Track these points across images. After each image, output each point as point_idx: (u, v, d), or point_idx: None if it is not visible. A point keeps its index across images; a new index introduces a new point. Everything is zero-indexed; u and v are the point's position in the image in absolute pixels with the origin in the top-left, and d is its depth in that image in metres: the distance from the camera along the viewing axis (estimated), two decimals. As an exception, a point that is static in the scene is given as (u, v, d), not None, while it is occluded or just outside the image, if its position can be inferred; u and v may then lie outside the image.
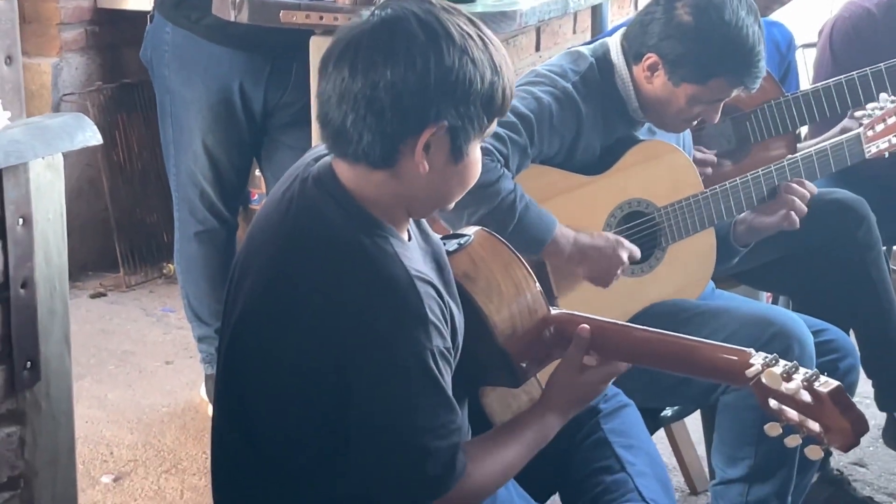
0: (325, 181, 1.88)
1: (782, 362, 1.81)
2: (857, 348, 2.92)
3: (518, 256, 2.07)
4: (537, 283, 2.05)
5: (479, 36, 1.82)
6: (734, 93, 2.65)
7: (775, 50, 3.44)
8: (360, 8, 2.77)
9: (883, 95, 3.01)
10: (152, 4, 3.54)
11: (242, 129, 3.49)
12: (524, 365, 2.03)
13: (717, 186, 2.78)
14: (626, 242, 2.62)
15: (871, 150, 2.91)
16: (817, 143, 3.07)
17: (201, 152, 3.49)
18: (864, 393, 3.32)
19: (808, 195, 2.81)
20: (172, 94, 3.50)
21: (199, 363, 3.78)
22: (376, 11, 1.84)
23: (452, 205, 1.94)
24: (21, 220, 2.05)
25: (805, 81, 3.78)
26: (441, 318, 1.83)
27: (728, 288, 3.15)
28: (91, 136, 2.05)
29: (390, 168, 1.83)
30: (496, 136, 2.50)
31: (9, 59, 2.02)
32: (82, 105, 4.67)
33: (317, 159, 1.94)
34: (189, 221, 3.60)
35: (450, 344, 1.86)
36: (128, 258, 4.80)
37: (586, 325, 2.01)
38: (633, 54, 2.67)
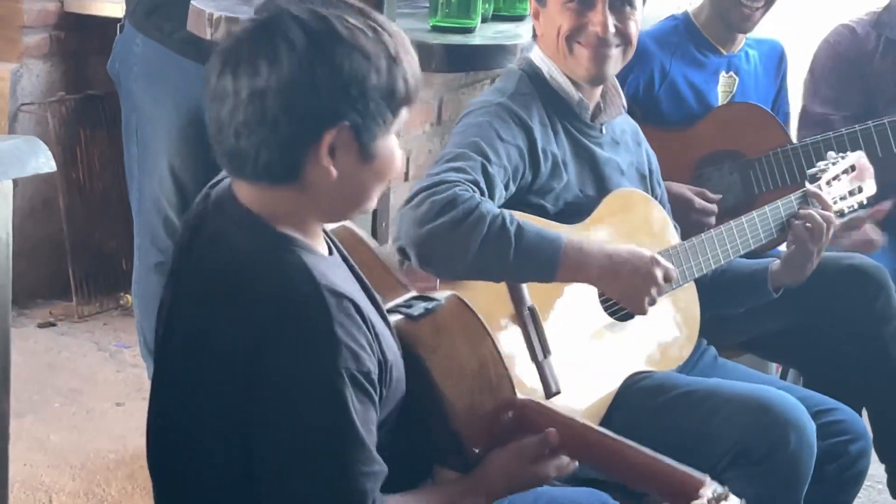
0: (225, 206, 1.92)
1: (732, 499, 1.85)
2: (869, 430, 2.95)
3: (489, 333, 2.07)
4: (506, 367, 2.06)
5: (369, 27, 1.86)
6: None
7: (768, 69, 3.49)
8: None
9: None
10: (124, 12, 3.58)
11: (212, 152, 3.51)
12: (477, 451, 2.04)
13: (693, 239, 2.83)
14: (662, 260, 2.61)
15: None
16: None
17: (167, 176, 3.53)
18: (877, 477, 3.36)
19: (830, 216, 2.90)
20: (139, 112, 3.54)
21: (152, 406, 3.80)
22: (254, 16, 1.88)
23: (373, 205, 1.97)
24: (-36, 247, 2.10)
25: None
26: (359, 338, 1.84)
27: (733, 357, 3.18)
28: (44, 162, 2.09)
29: (295, 181, 1.86)
30: (452, 169, 2.55)
31: (-40, 75, 2.07)
32: (41, 116, 4.71)
33: (214, 185, 1.99)
34: (150, 251, 3.63)
35: (368, 369, 1.85)
36: (82, 286, 4.82)
37: (554, 430, 2.03)
38: (534, 34, 2.81)
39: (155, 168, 3.53)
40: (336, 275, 1.90)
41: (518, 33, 3.08)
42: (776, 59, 3.54)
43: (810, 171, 3.07)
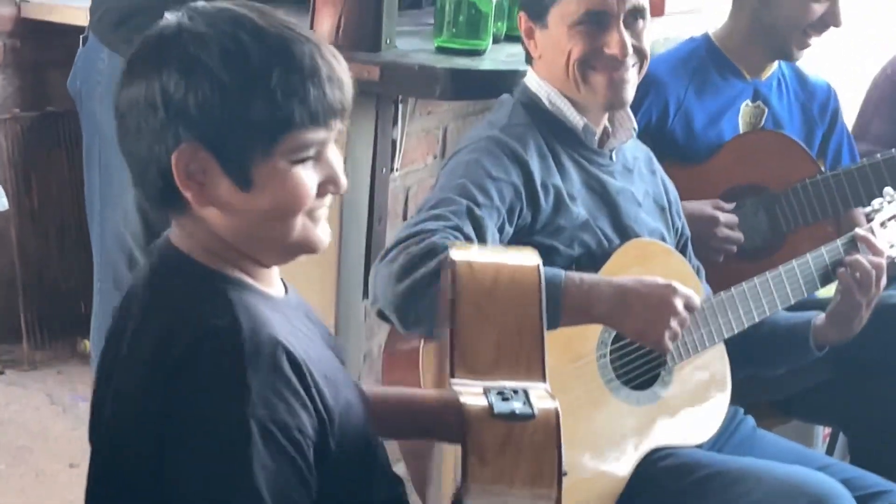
0: (165, 252, 1.99)
1: None
2: None
3: (559, 484, 1.92)
4: None
5: (231, 36, 1.87)
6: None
7: (806, 115, 3.50)
8: (348, 51, 2.84)
9: None
10: (88, 22, 3.60)
11: (186, 184, 3.53)
12: None
13: (722, 293, 2.83)
14: (681, 287, 2.59)
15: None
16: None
17: (133, 210, 3.53)
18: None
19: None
20: (103, 136, 3.54)
21: (111, 470, 3.81)
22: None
23: (305, 239, 1.96)
24: None
25: None
26: (278, 387, 1.85)
27: (775, 425, 3.19)
28: (-6, 200, 2.10)
29: (185, 211, 1.91)
30: (433, 217, 2.57)
31: None
32: (-8, 137, 4.74)
33: None
34: (112, 293, 3.63)
35: (287, 422, 1.86)
36: (34, 329, 4.84)
37: None
38: (527, 55, 2.83)
39: (119, 200, 3.53)
40: (277, 317, 1.92)
41: (532, 57, 3.10)
42: (819, 103, 3.55)
43: (865, 210, 3.08)
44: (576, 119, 2.78)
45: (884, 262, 2.92)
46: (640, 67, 2.79)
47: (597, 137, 2.81)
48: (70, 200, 4.89)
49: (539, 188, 2.70)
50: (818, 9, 3.30)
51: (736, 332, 2.85)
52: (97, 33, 3.52)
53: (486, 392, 1.96)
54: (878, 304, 2.93)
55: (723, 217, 3.21)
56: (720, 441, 2.86)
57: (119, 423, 1.95)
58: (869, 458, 3.04)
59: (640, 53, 2.76)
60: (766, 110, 3.42)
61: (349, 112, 1.94)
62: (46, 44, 4.86)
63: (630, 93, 2.78)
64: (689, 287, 2.79)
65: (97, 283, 3.68)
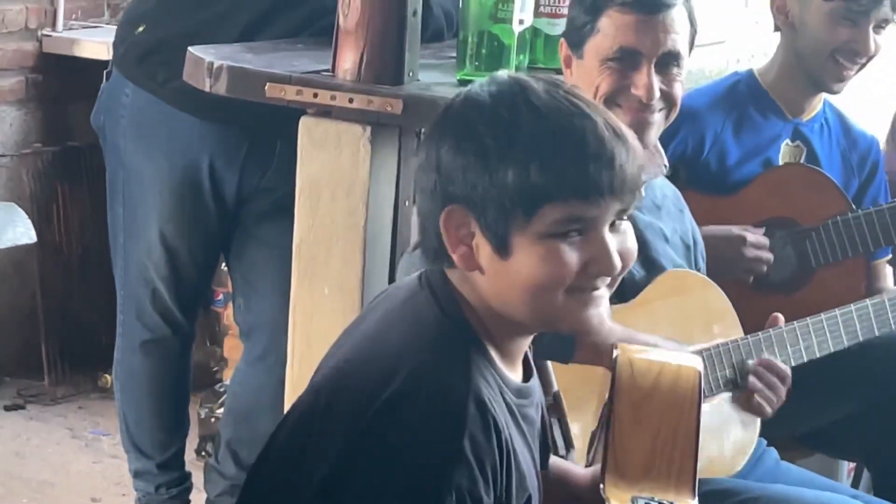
0: (436, 278, 2.00)
1: None
2: None
3: None
4: None
5: (535, 111, 1.89)
6: (639, 32, 2.71)
7: (846, 163, 3.52)
8: (370, 87, 2.87)
9: None
10: (111, 57, 3.63)
11: (210, 218, 3.56)
12: None
13: (760, 333, 2.83)
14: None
15: None
16: None
17: (157, 243, 3.56)
18: None
19: None
20: (127, 170, 3.57)
21: (133, 504, 3.83)
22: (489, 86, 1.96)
23: (565, 317, 1.95)
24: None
25: None
26: (485, 462, 1.86)
27: (798, 458, 3.19)
28: (23, 232, 2.15)
29: (449, 262, 1.95)
30: None
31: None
32: (14, 170, 4.76)
33: None
34: (135, 327, 3.66)
35: (481, 497, 1.85)
36: (56, 363, 4.86)
37: None
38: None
39: (143, 234, 3.56)
40: (498, 397, 1.92)
41: (557, 89, 3.13)
42: (860, 152, 3.55)
43: None
44: None
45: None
46: (669, 113, 2.77)
47: None
48: (92, 234, 4.91)
49: None
50: (844, 33, 3.29)
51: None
52: (121, 68, 3.55)
53: (633, 500, 2.01)
54: None
55: (750, 237, 3.22)
56: (742, 472, 2.87)
57: (294, 433, 1.99)
58: (893, 494, 3.05)
59: (668, 99, 2.74)
60: (805, 150, 3.43)
61: (630, 194, 1.94)
62: (68, 78, 4.90)
63: (652, 137, 2.77)
64: (727, 321, 2.82)
65: (120, 316, 3.70)
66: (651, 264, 2.81)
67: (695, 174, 3.26)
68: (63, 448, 4.50)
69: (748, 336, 2.84)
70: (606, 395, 2.12)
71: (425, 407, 1.86)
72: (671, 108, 2.77)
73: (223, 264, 3.87)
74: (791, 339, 2.86)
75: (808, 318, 2.88)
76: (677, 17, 2.73)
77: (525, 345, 2.04)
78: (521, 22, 3.03)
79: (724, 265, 3.06)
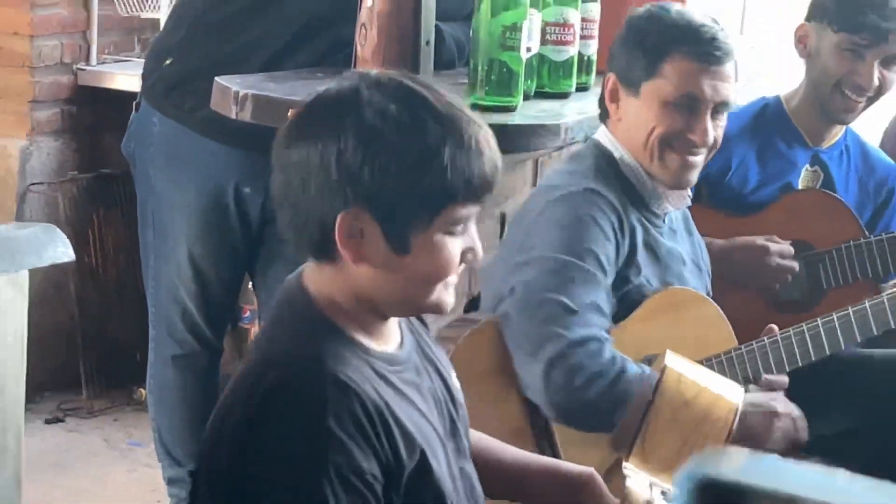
0: (292, 285, 2.06)
1: None
2: None
3: None
4: None
5: (410, 107, 1.93)
6: (704, 82, 2.73)
7: (863, 190, 3.51)
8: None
9: None
10: (140, 88, 3.64)
11: (236, 239, 3.57)
12: None
13: (753, 342, 2.83)
14: (781, 406, 2.69)
15: None
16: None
17: (186, 264, 3.57)
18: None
19: None
20: (157, 195, 3.58)
21: (167, 510, 3.83)
22: (330, 87, 2.00)
23: (436, 302, 2.01)
24: (-26, 343, 2.15)
25: None
26: (355, 435, 1.89)
27: (794, 465, 3.17)
28: (63, 251, 2.15)
29: (334, 263, 1.97)
30: (586, 308, 2.63)
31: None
32: (51, 196, 4.77)
33: None
34: (166, 342, 3.66)
35: (363, 468, 1.89)
36: (93, 378, 4.87)
37: None
38: (604, 112, 2.85)
39: (173, 255, 3.57)
40: (364, 368, 1.95)
41: (562, 112, 3.12)
42: (876, 180, 3.54)
43: None
44: (647, 182, 2.80)
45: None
46: (709, 154, 2.81)
47: (661, 203, 2.82)
48: (125, 257, 4.93)
49: (622, 244, 2.74)
50: (847, 65, 3.32)
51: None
52: (149, 99, 3.56)
53: (651, 486, 2.03)
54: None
55: (775, 247, 3.22)
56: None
57: (210, 443, 2.00)
58: None
59: (715, 143, 2.78)
60: (822, 176, 3.44)
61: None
62: (102, 109, 4.92)
63: (695, 177, 2.81)
64: (720, 334, 2.80)
65: (152, 333, 3.71)
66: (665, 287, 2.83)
67: (716, 194, 3.27)
68: (100, 458, 4.51)
69: (742, 346, 2.84)
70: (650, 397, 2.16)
71: (289, 403, 1.91)
72: (713, 150, 2.80)
73: (250, 283, 3.87)
74: (773, 351, 2.86)
75: (789, 329, 2.87)
76: (732, 67, 2.76)
77: (394, 322, 2.08)
78: (528, 49, 3.04)
79: (749, 275, 3.07)
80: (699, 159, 2.78)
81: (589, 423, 2.64)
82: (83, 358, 4.85)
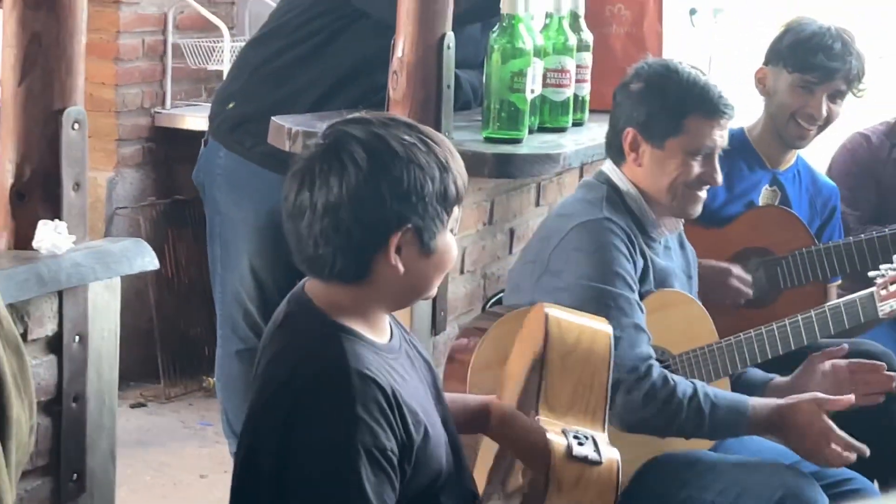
0: (296, 299, 2.05)
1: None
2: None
3: None
4: None
5: (420, 140, 1.96)
6: (716, 133, 2.74)
7: (812, 207, 3.52)
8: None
9: None
10: (208, 128, 3.67)
11: (288, 251, 3.57)
12: None
13: (731, 337, 2.84)
14: (824, 403, 2.64)
15: (885, 308, 2.93)
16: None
17: (247, 273, 3.58)
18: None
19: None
20: (222, 216, 3.60)
21: (233, 479, 3.84)
22: (318, 141, 1.98)
23: (434, 292, 2.07)
24: (77, 338, 2.17)
25: None
26: (379, 418, 1.89)
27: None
28: (149, 261, 2.18)
29: (364, 279, 1.96)
30: (633, 330, 2.63)
31: (76, 186, 2.16)
32: (134, 219, 4.80)
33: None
34: (231, 339, 3.67)
35: (385, 446, 1.89)
36: (169, 370, 4.88)
37: None
38: (617, 154, 2.82)
39: (236, 266, 3.59)
40: (377, 360, 1.96)
41: (561, 144, 3.13)
42: (822, 199, 3.55)
43: (871, 274, 3.04)
44: (649, 213, 2.78)
45: None
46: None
47: (660, 230, 2.82)
48: (195, 268, 4.94)
49: (637, 264, 2.74)
50: (800, 99, 3.34)
51: (731, 373, 2.86)
52: (215, 137, 3.57)
53: (564, 433, 2.02)
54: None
55: (735, 270, 3.23)
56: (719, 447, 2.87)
57: (247, 441, 2.00)
58: None
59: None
60: (780, 194, 3.45)
61: None
62: (174, 146, 4.93)
63: (701, 207, 2.82)
64: (704, 329, 2.82)
65: (219, 331, 3.71)
66: None
67: None
68: (176, 437, 4.53)
69: (722, 340, 2.84)
70: (538, 348, 2.13)
71: (322, 397, 1.90)
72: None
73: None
74: (748, 344, 2.86)
75: (761, 327, 2.88)
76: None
77: (386, 318, 2.07)
78: (532, 91, 3.06)
79: (710, 290, 3.07)
80: (706, 193, 2.81)
81: (642, 432, 2.64)
82: (160, 353, 4.86)
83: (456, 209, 2.01)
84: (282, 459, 1.91)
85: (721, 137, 2.77)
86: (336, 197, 1.90)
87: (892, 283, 2.93)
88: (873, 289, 2.95)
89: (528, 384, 2.19)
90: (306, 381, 1.91)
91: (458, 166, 2.00)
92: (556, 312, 2.21)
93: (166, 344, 4.88)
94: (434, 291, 2.07)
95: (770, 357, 2.89)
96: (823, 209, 3.55)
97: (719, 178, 2.78)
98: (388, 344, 2.05)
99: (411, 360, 2.11)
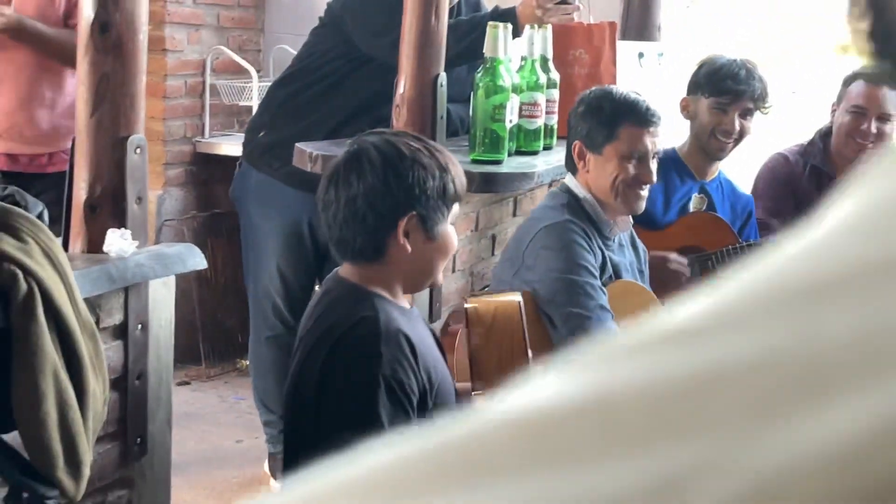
0: (333, 279, 2.09)
1: None
2: None
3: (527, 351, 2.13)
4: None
5: (425, 147, 2.01)
6: (647, 139, 2.73)
7: (734, 211, 3.52)
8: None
9: None
10: (241, 153, 3.66)
11: (309, 255, 3.58)
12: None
13: None
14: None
15: None
16: None
17: (275, 273, 3.58)
18: None
19: None
20: (254, 227, 3.60)
21: (264, 443, 3.83)
22: (345, 149, 2.04)
23: (440, 277, 2.09)
24: (139, 326, 2.15)
25: None
26: (399, 358, 1.92)
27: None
28: (199, 261, 2.16)
29: (381, 257, 1.99)
30: (589, 302, 2.61)
31: (139, 200, 2.14)
32: (179, 229, 4.78)
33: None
34: (262, 327, 3.67)
35: (402, 379, 1.91)
36: (209, 354, 4.86)
37: None
38: (572, 166, 2.81)
39: (266, 267, 3.59)
40: (402, 319, 1.99)
41: (534, 164, 3.12)
42: (741, 206, 3.55)
43: None
44: (603, 216, 2.77)
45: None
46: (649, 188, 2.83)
47: (612, 230, 2.81)
48: (230, 270, 4.93)
49: (596, 257, 2.73)
50: (716, 119, 3.32)
51: None
52: (248, 161, 3.57)
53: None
54: None
55: (672, 256, 3.22)
56: None
57: (295, 383, 2.03)
58: None
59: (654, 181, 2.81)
60: (707, 200, 3.44)
61: None
62: (213, 168, 4.92)
63: (644, 205, 2.81)
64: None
65: (252, 322, 3.71)
66: None
67: (639, 216, 3.26)
68: (215, 408, 4.50)
69: None
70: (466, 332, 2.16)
71: (354, 340, 1.94)
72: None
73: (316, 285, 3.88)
74: None
75: None
76: (660, 127, 2.78)
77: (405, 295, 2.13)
78: (510, 121, 3.05)
79: (655, 276, 3.06)
80: (647, 192, 2.79)
81: None
82: (202, 341, 4.85)
83: (455, 206, 2.04)
84: (320, 389, 1.94)
85: (652, 143, 2.75)
86: (355, 190, 1.95)
87: None
88: None
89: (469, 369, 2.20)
90: (343, 329, 1.94)
91: (456, 170, 2.03)
92: (473, 302, 2.24)
93: (207, 333, 4.87)
94: (440, 278, 2.09)
95: None
96: (742, 213, 3.56)
97: (653, 177, 2.76)
98: (409, 310, 2.09)
99: (425, 325, 2.15)
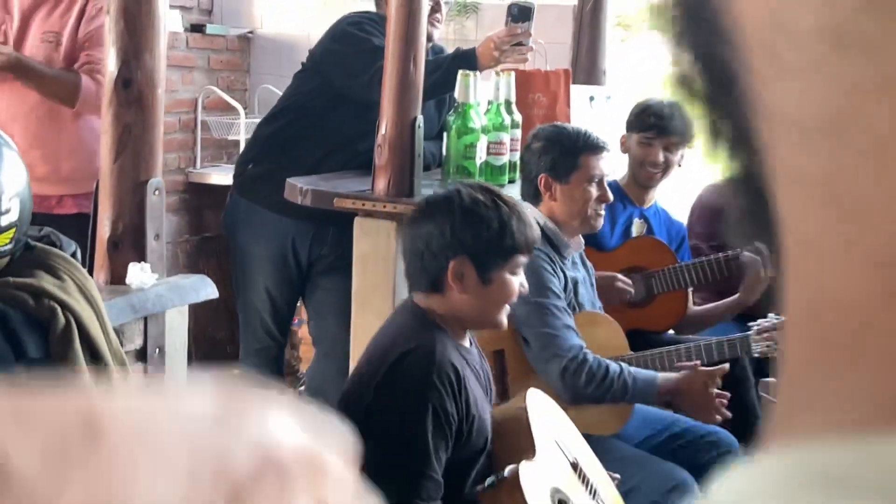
0: (407, 303, 2.08)
1: None
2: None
3: None
4: None
5: (492, 201, 1.99)
6: (601, 164, 2.76)
7: (669, 236, 3.54)
8: (395, 199, 2.89)
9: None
10: (231, 185, 3.64)
11: (293, 275, 3.56)
12: None
13: (640, 353, 2.80)
14: (708, 376, 2.61)
15: (757, 349, 2.86)
16: (708, 309, 3.24)
17: (262, 291, 3.56)
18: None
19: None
20: (243, 250, 3.58)
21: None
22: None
23: (501, 321, 2.05)
24: (157, 350, 2.15)
25: None
26: (447, 389, 1.91)
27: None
28: (211, 291, 2.16)
29: (441, 293, 1.99)
30: (567, 332, 2.59)
31: (157, 236, 2.14)
32: (174, 252, 4.74)
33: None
34: (250, 341, 3.65)
35: (447, 409, 1.90)
36: (203, 363, 4.81)
37: None
38: (534, 197, 2.80)
39: (253, 286, 3.57)
40: (454, 353, 1.97)
41: (499, 196, 3.14)
42: (675, 231, 3.57)
43: (750, 324, 2.90)
44: (562, 238, 2.77)
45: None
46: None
47: (569, 249, 2.81)
48: (222, 289, 4.75)
49: (560, 279, 2.72)
50: (644, 152, 3.35)
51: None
52: (238, 190, 3.55)
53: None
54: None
55: (618, 276, 3.22)
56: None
57: (348, 396, 2.01)
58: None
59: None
60: (646, 225, 3.48)
61: None
62: (204, 196, 4.89)
63: (602, 222, 2.84)
64: (620, 342, 2.78)
65: (241, 335, 3.69)
66: (576, 307, 2.80)
67: (590, 239, 3.27)
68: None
69: (634, 354, 2.79)
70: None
71: (410, 365, 1.92)
72: None
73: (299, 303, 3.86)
74: (651, 360, 2.81)
75: (662, 349, 2.83)
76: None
77: (467, 332, 2.09)
78: (480, 158, 3.07)
79: (603, 292, 3.08)
80: (604, 211, 2.82)
81: (583, 403, 2.56)
82: (195, 352, 4.80)
83: (520, 257, 2.02)
84: (373, 403, 1.92)
85: (605, 167, 2.79)
86: (419, 228, 2.00)
87: (764, 332, 2.85)
88: (750, 333, 2.87)
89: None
90: (401, 354, 1.93)
91: (519, 226, 2.00)
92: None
93: (199, 346, 4.83)
94: (502, 322, 2.05)
95: (660, 370, 2.79)
96: (676, 237, 3.59)
97: (610, 196, 2.80)
98: (466, 347, 2.08)
99: (479, 367, 2.11)
